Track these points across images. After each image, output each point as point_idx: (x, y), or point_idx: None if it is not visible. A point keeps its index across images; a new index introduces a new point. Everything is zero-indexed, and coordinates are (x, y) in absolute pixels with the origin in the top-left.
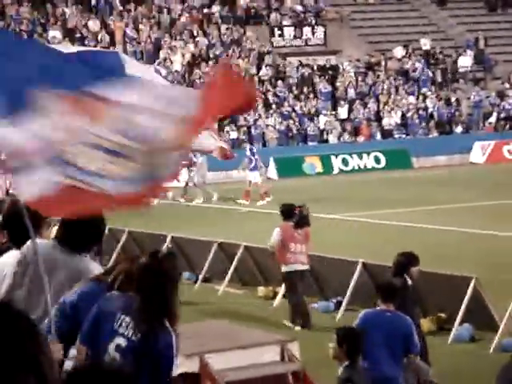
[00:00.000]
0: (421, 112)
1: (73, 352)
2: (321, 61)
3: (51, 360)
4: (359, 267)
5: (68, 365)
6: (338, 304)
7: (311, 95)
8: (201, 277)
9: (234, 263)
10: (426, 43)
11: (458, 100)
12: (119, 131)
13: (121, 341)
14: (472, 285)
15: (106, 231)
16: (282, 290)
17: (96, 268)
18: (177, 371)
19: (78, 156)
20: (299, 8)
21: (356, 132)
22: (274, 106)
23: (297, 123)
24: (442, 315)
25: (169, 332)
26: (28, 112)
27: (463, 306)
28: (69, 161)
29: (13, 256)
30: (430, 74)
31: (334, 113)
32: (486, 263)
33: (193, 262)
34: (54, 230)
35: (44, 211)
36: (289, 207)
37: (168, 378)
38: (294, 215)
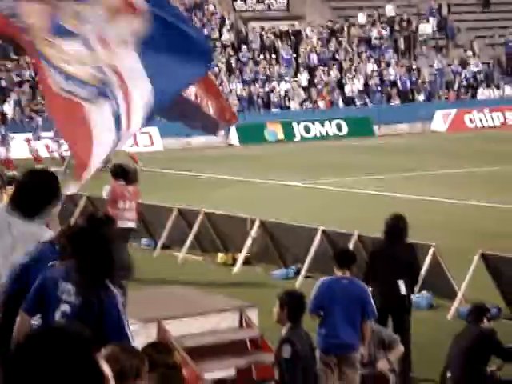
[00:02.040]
0: (383, 79)
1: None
2: (283, 26)
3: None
4: (319, 234)
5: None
6: (298, 271)
7: (273, 61)
8: (160, 243)
9: (194, 230)
10: (390, 10)
11: (419, 68)
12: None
13: (65, 307)
14: (431, 252)
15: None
16: (241, 256)
17: (47, 233)
18: (135, 339)
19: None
20: None
21: (318, 99)
22: (236, 72)
23: (259, 89)
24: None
25: (111, 292)
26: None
27: (422, 274)
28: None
29: None
30: (393, 42)
31: (296, 79)
32: (445, 231)
33: (152, 228)
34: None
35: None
36: (118, 167)
37: (118, 339)
38: (124, 174)
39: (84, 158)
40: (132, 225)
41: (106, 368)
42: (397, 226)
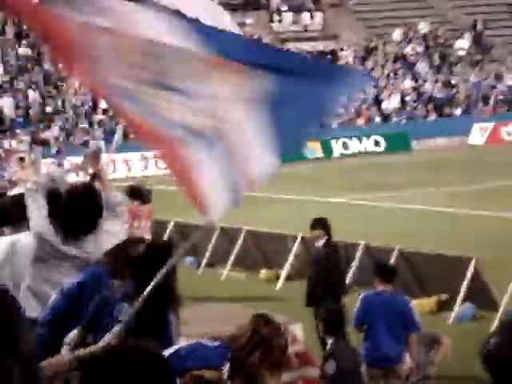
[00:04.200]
0: (420, 95)
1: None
2: (320, 46)
3: (28, 337)
4: (361, 250)
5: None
6: None
7: None
8: (204, 262)
9: (237, 247)
10: (424, 27)
11: (456, 83)
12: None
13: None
14: (472, 265)
15: None
16: (283, 272)
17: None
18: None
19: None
20: None
21: (356, 116)
22: None
23: None
24: (444, 295)
25: (168, 319)
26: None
27: (464, 286)
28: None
29: None
30: (429, 57)
31: None
32: (487, 243)
33: (195, 247)
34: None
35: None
36: (132, 187)
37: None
38: (138, 195)
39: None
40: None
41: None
42: None
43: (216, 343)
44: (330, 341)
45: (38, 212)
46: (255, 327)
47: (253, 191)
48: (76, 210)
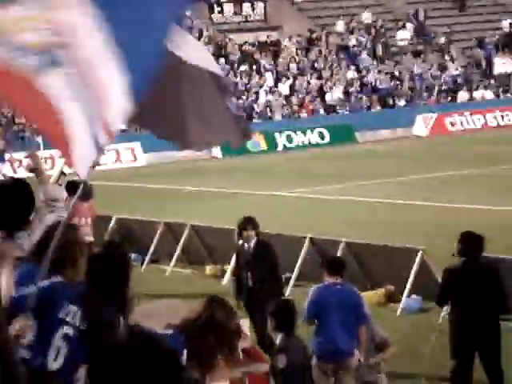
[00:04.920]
0: (363, 86)
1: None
2: (262, 37)
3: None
4: (307, 243)
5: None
6: (287, 280)
7: (253, 72)
8: (147, 258)
9: (181, 243)
10: (367, 17)
11: (399, 73)
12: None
13: (68, 330)
14: (419, 256)
15: None
16: (230, 267)
17: None
18: None
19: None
20: None
21: (299, 108)
22: None
23: (240, 101)
24: (391, 287)
25: (114, 318)
26: None
27: (411, 278)
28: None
29: None
30: (372, 48)
31: (276, 89)
32: (433, 234)
33: (139, 243)
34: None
35: None
36: (72, 183)
37: None
38: (79, 190)
39: (58, 137)
40: (90, 238)
41: None
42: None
43: (170, 331)
44: (279, 335)
45: None
46: (210, 310)
47: (111, 141)
48: (6, 205)
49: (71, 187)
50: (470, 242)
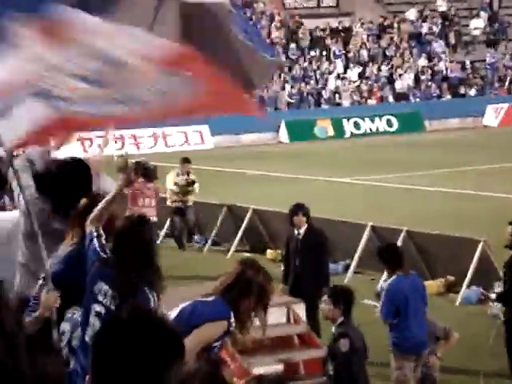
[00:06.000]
0: (434, 74)
1: (68, 316)
2: (333, 23)
3: (11, 312)
4: (368, 230)
5: (64, 327)
6: (347, 267)
7: (323, 58)
8: (210, 240)
9: (243, 226)
10: (441, 5)
11: (471, 62)
12: (92, 55)
13: (100, 308)
14: (480, 247)
15: None
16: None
17: None
18: None
19: (57, 86)
20: None
21: (368, 95)
22: (285, 69)
23: (309, 86)
24: (451, 277)
25: (147, 296)
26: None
27: (471, 269)
28: (53, 94)
29: None
30: (444, 37)
31: (346, 75)
32: (499, 225)
33: (202, 225)
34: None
35: (32, 144)
36: (137, 164)
37: None
38: (143, 171)
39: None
40: (154, 219)
41: None
42: None
43: (211, 298)
44: (339, 320)
45: (27, 190)
46: (241, 267)
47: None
48: (66, 183)
49: (137, 169)
50: None
